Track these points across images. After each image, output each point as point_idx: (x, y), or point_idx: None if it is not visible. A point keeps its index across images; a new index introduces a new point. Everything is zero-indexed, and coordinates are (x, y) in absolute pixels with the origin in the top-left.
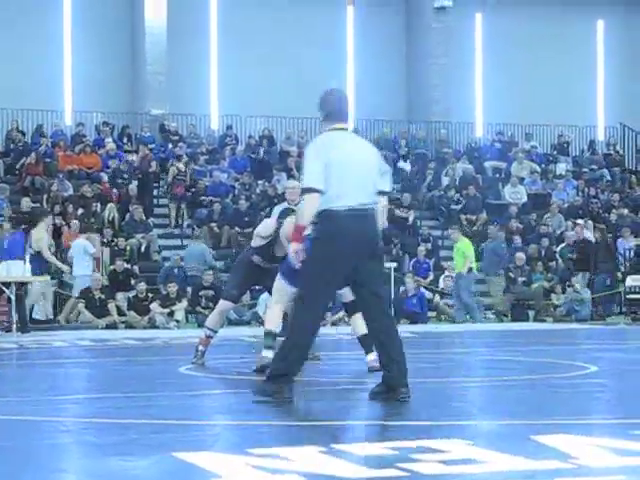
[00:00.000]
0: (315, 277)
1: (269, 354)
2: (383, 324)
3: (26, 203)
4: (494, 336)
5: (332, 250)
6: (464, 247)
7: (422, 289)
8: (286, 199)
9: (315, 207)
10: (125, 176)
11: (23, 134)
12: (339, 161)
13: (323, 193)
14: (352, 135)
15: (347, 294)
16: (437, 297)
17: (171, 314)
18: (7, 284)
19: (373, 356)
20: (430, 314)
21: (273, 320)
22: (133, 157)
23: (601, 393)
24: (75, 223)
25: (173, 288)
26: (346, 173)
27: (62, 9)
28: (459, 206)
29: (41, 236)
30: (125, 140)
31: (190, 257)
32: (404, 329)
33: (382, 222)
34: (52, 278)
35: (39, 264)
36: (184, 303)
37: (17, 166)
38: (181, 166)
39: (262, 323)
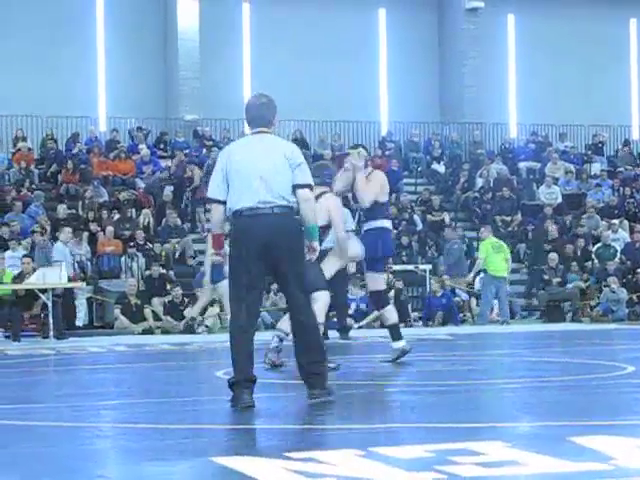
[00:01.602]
0: (230, 276)
1: None
2: (296, 324)
3: (62, 210)
4: (530, 337)
5: (235, 249)
6: (504, 250)
7: (456, 290)
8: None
9: (219, 215)
10: (160, 182)
11: (55, 141)
12: (236, 166)
13: (223, 202)
14: (261, 137)
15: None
16: (473, 299)
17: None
18: (44, 290)
19: (400, 343)
20: (465, 315)
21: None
22: (168, 163)
23: (639, 394)
24: (110, 229)
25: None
26: (242, 176)
27: (95, 16)
28: (490, 206)
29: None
30: (161, 146)
31: None
32: (439, 331)
33: (310, 218)
34: (87, 284)
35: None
36: (216, 308)
37: (51, 173)
38: (199, 172)
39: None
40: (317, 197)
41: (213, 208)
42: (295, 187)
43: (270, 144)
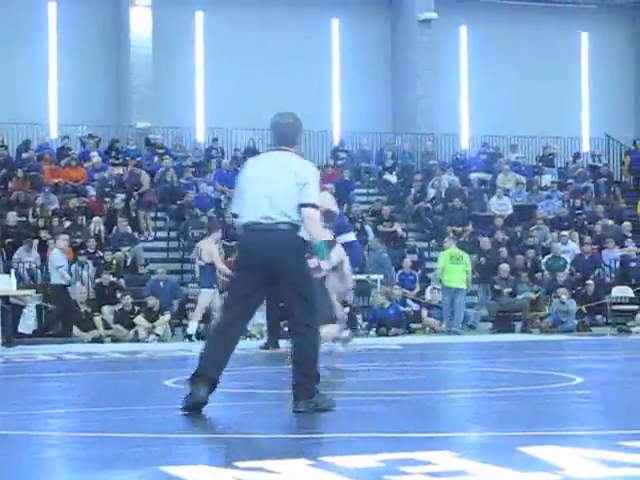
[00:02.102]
0: (230, 284)
1: None
2: (293, 336)
3: (12, 217)
4: (480, 348)
5: (238, 261)
6: (466, 262)
7: (407, 300)
8: None
9: (240, 228)
10: (111, 189)
11: (6, 148)
12: (247, 182)
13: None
14: (275, 154)
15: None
16: (424, 309)
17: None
18: None
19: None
20: (415, 326)
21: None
22: (119, 170)
23: (587, 404)
24: (64, 237)
25: (155, 301)
26: (250, 192)
27: (47, 23)
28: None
29: (212, 248)
30: (112, 154)
31: None
32: (389, 341)
33: (315, 236)
34: (37, 292)
35: (209, 276)
36: (167, 316)
37: (1, 180)
38: (147, 177)
39: (248, 336)
40: None
41: (235, 221)
42: (300, 205)
43: (282, 162)
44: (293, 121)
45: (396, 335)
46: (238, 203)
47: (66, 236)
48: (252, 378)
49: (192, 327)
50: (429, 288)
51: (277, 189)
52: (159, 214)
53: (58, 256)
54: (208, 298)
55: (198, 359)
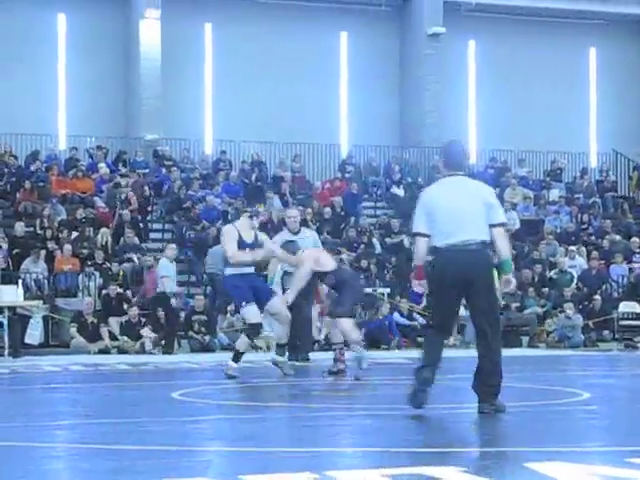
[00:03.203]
0: (433, 302)
1: None
2: (482, 349)
3: (20, 228)
4: None
5: (436, 280)
6: None
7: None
8: (287, 227)
9: (422, 248)
10: (119, 201)
11: (16, 158)
12: (441, 206)
13: (428, 236)
14: (458, 180)
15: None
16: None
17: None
18: None
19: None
20: (421, 340)
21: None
22: (128, 181)
23: (594, 420)
24: (68, 247)
25: (162, 313)
26: (446, 216)
27: (57, 33)
28: None
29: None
30: (120, 165)
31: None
32: (395, 355)
33: (506, 253)
34: (44, 302)
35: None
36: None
37: (8, 190)
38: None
39: (254, 347)
40: None
41: (418, 241)
42: (491, 226)
43: (471, 187)
44: (465, 148)
45: (386, 349)
46: (425, 224)
47: (173, 245)
48: (258, 391)
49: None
50: None
51: (469, 212)
52: (166, 226)
53: (165, 265)
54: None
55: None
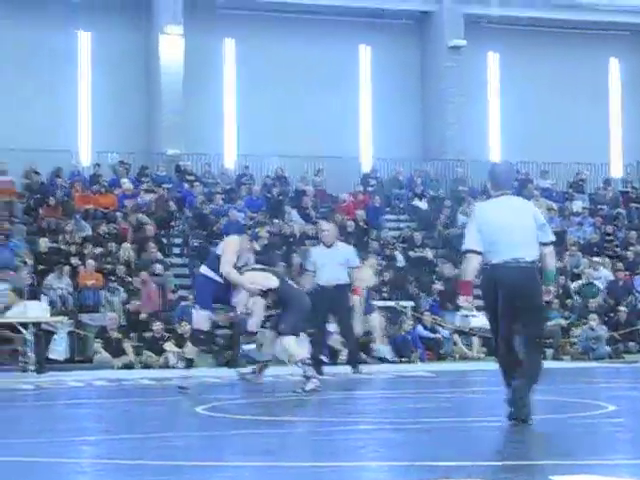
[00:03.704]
0: (487, 316)
1: None
2: (525, 359)
3: (44, 244)
4: None
5: (488, 296)
6: None
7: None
8: (321, 240)
9: (473, 264)
10: (141, 216)
11: (38, 174)
12: (493, 224)
13: (479, 253)
14: (508, 199)
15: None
16: (456, 335)
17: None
18: (25, 324)
19: None
20: (445, 352)
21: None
22: (150, 197)
23: (620, 433)
24: (91, 263)
25: (185, 327)
26: (499, 233)
27: (79, 50)
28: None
29: (368, 274)
30: (143, 180)
31: None
32: (419, 368)
33: (552, 267)
34: (68, 318)
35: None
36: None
37: (32, 206)
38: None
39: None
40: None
41: (469, 258)
42: (542, 244)
43: (520, 205)
44: (508, 167)
45: (410, 362)
46: (477, 241)
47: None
48: (281, 405)
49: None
50: (459, 315)
51: (521, 230)
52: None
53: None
54: (376, 320)
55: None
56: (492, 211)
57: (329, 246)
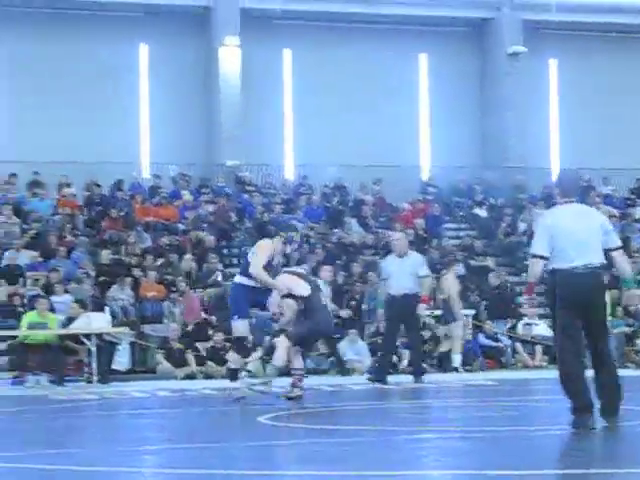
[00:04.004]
0: (558, 322)
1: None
2: (598, 365)
3: (106, 255)
4: None
5: (560, 302)
6: None
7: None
8: (393, 250)
9: (538, 269)
10: (203, 227)
11: (99, 186)
12: (564, 230)
13: (547, 258)
14: (575, 206)
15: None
16: (518, 344)
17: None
18: (88, 336)
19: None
20: (506, 360)
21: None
22: (210, 208)
23: None
24: (153, 274)
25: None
26: (570, 240)
27: (138, 63)
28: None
29: (451, 283)
30: (203, 191)
31: None
32: (479, 376)
33: (628, 272)
34: (131, 329)
35: (448, 311)
36: (259, 352)
37: (94, 219)
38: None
39: (340, 372)
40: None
41: (535, 262)
42: (610, 250)
43: (586, 213)
44: (576, 176)
45: (471, 371)
46: (545, 247)
47: (329, 267)
48: (344, 414)
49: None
50: (521, 323)
51: (589, 236)
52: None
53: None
54: (459, 329)
55: (568, 393)
56: (561, 217)
57: (401, 256)
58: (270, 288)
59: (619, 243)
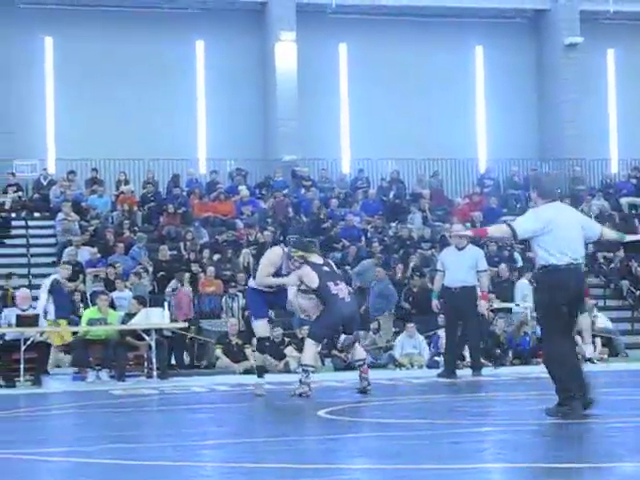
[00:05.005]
0: (545, 319)
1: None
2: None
3: (164, 251)
4: (634, 375)
5: (550, 298)
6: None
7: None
8: (451, 243)
9: (502, 236)
10: (261, 222)
11: (153, 185)
12: (558, 226)
13: (516, 239)
14: (558, 205)
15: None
16: (577, 337)
17: None
18: (147, 331)
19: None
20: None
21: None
22: (268, 203)
23: None
24: (211, 269)
25: (305, 332)
26: (562, 237)
27: (195, 60)
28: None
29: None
30: (260, 186)
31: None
32: (536, 369)
33: (617, 236)
34: (190, 325)
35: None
36: (317, 347)
37: (152, 215)
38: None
39: (398, 366)
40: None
41: (504, 230)
42: (599, 237)
43: (571, 211)
44: (555, 178)
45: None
46: (528, 232)
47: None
48: (401, 408)
49: None
50: (581, 316)
51: (577, 233)
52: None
53: None
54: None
55: (558, 386)
56: (554, 214)
57: (460, 248)
58: (285, 288)
59: (599, 225)
